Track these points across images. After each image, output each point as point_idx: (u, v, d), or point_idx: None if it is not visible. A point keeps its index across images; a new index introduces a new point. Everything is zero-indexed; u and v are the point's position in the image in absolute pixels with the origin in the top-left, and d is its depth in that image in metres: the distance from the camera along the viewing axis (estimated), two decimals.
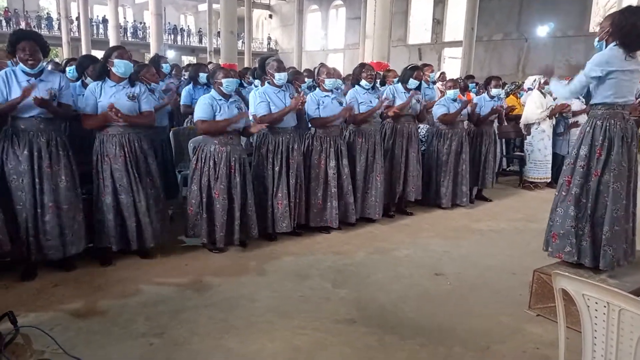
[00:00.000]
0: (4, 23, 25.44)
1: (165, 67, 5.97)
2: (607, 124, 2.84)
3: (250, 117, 4.06)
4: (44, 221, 3.20)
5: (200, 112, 3.74)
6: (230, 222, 3.82)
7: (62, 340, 2.46)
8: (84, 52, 20.97)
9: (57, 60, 14.24)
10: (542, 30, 19.50)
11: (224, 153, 3.76)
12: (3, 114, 3.12)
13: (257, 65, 4.79)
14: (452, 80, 5.83)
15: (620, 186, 2.82)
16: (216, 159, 3.75)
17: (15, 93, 3.07)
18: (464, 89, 6.95)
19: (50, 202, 3.20)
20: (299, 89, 4.72)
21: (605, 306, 1.47)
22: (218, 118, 3.73)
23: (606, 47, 2.83)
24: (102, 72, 3.49)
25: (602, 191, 2.85)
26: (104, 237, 3.51)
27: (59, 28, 24.83)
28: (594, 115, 2.91)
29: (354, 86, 4.78)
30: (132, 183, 3.49)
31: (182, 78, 6.72)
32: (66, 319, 2.77)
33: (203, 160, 3.77)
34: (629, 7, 2.85)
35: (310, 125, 4.43)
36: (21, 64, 3.12)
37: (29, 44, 3.11)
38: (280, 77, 4.13)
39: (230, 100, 3.82)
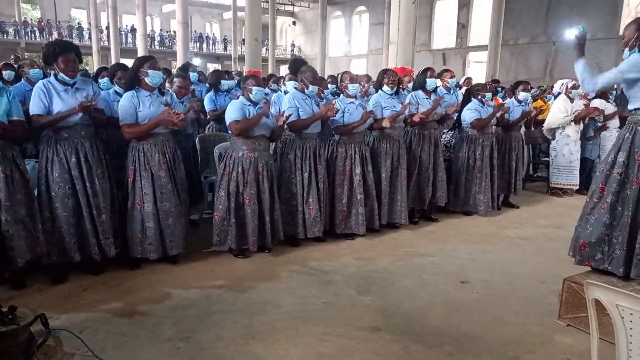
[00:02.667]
0: (37, 33, 26.36)
1: (193, 76, 6.07)
2: None
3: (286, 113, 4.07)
4: (101, 221, 3.34)
5: (233, 114, 3.78)
6: (262, 227, 3.86)
7: (91, 342, 2.52)
8: (113, 61, 21.51)
9: (87, 68, 14.65)
10: (571, 33, 19.05)
11: (252, 158, 3.80)
12: (52, 126, 3.23)
13: (289, 65, 4.85)
14: (482, 84, 5.72)
15: None
16: (244, 165, 3.79)
17: (57, 103, 3.21)
18: (494, 94, 6.83)
19: (104, 204, 3.35)
20: (322, 95, 4.74)
21: None
22: None
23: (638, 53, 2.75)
24: (134, 81, 3.57)
25: None
26: (139, 246, 3.54)
27: (89, 37, 25.60)
28: (635, 121, 2.82)
29: (377, 91, 4.77)
30: (173, 189, 3.57)
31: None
32: (96, 321, 2.83)
33: (231, 167, 3.81)
34: None
35: (334, 132, 4.44)
36: (61, 74, 3.23)
37: (71, 57, 3.25)
38: (313, 90, 4.18)
39: (257, 106, 3.87)
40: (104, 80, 4.40)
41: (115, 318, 2.89)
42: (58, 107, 3.20)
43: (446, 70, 6.20)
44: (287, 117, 3.87)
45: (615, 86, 6.45)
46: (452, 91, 6.12)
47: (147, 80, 3.51)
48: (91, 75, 5.68)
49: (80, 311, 2.95)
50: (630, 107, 2.83)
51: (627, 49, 2.83)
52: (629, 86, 2.81)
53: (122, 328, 2.77)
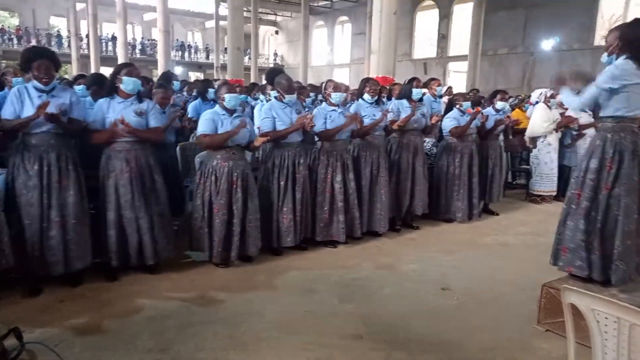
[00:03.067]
0: (15, 41, 25.91)
1: (176, 85, 6.03)
2: (618, 137, 2.82)
3: (256, 130, 4.08)
4: (48, 236, 3.22)
5: (202, 126, 3.77)
6: (229, 238, 3.81)
7: (67, 356, 2.45)
8: (93, 69, 21.25)
9: (66, 76, 14.44)
10: (548, 44, 19.52)
11: (226, 168, 3.77)
12: (16, 131, 3.16)
13: (266, 75, 4.83)
14: (462, 94, 5.85)
15: (631, 200, 2.79)
16: (217, 174, 3.76)
17: (28, 109, 3.13)
18: (477, 103, 6.96)
19: (56, 217, 3.22)
20: (304, 104, 4.75)
21: (615, 321, 1.45)
22: (219, 132, 3.75)
23: (617, 59, 2.82)
24: (111, 88, 3.53)
25: (612, 205, 2.82)
26: (106, 252, 3.50)
27: (69, 45, 25.24)
28: (605, 129, 2.89)
29: (358, 100, 4.81)
30: (136, 199, 3.49)
31: (193, 94, 6.80)
32: (72, 334, 2.77)
33: (206, 175, 3.79)
34: (635, 21, 2.84)
35: (317, 139, 4.45)
36: (35, 81, 3.17)
37: (45, 63, 3.19)
38: (290, 99, 4.17)
39: (234, 115, 3.85)
40: (79, 87, 4.34)
41: (93, 330, 2.83)
42: (28, 112, 3.12)
43: (433, 79, 6.47)
44: (265, 137, 3.89)
45: None
46: (437, 99, 6.30)
47: (121, 87, 3.48)
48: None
49: (56, 324, 2.88)
50: (602, 114, 2.90)
51: (606, 54, 2.90)
52: (602, 96, 2.88)
53: (99, 341, 2.71)
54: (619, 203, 2.79)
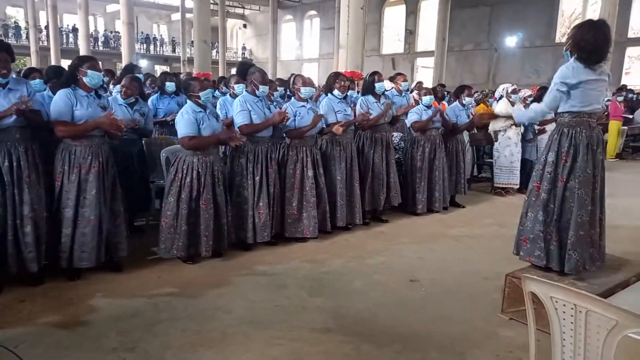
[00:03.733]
0: None
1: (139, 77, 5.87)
2: (573, 132, 2.94)
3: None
4: (24, 233, 3.12)
5: (186, 128, 3.66)
6: (218, 231, 3.80)
7: (29, 357, 2.38)
8: (53, 62, 20.53)
9: (23, 69, 13.85)
10: (511, 41, 20.04)
11: (207, 163, 3.73)
12: None
13: (237, 68, 4.78)
14: (426, 88, 5.95)
15: (585, 192, 2.90)
16: (200, 170, 3.70)
17: None
18: (442, 98, 7.10)
19: (30, 213, 3.13)
20: (272, 98, 4.73)
21: (572, 308, 1.51)
22: (202, 130, 3.70)
23: (571, 57, 2.94)
24: (70, 79, 3.41)
25: (567, 197, 2.94)
26: (71, 253, 3.36)
27: (27, 37, 24.29)
28: (561, 123, 3.01)
29: (327, 95, 4.81)
30: (101, 195, 3.38)
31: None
32: (34, 335, 2.68)
33: (185, 171, 3.70)
34: (586, 23, 2.98)
35: (285, 136, 4.43)
36: None
37: (3, 55, 3.08)
38: (264, 90, 4.14)
39: (208, 111, 3.81)
40: (34, 82, 4.18)
41: (55, 330, 2.74)
42: None
43: (399, 74, 6.57)
44: (242, 130, 3.91)
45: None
46: (403, 94, 6.37)
47: (85, 80, 3.37)
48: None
49: (16, 324, 2.78)
50: (559, 110, 3.01)
51: (564, 49, 3.01)
52: (563, 96, 2.98)
53: (63, 341, 2.64)
54: (574, 195, 2.91)
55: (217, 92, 6.52)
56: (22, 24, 26.77)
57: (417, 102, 5.64)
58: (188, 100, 3.84)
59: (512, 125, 6.42)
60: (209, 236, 3.73)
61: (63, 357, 2.49)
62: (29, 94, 3.21)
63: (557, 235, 2.97)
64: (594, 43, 2.83)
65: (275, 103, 4.80)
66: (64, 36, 26.32)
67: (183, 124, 3.69)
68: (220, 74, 23.29)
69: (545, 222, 2.99)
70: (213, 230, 3.76)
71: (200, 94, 3.72)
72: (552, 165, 2.98)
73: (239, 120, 4.06)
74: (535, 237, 3.03)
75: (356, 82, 6.56)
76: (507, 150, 6.54)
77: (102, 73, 3.46)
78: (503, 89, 6.67)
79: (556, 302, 1.54)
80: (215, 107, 4.87)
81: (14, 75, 3.22)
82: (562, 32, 18.65)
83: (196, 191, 3.69)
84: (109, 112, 3.31)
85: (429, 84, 14.81)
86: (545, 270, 3.05)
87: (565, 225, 2.94)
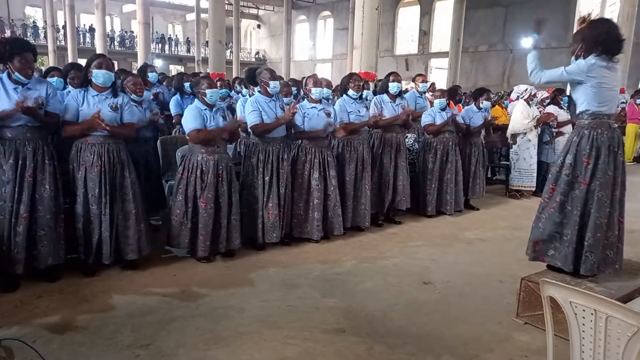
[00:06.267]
0: None
1: (153, 77, 5.93)
2: (595, 133, 2.90)
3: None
4: (16, 231, 3.14)
5: (192, 122, 3.70)
6: (217, 231, 3.79)
7: (45, 352, 2.41)
8: (70, 61, 20.77)
9: (42, 68, 14.09)
10: (526, 42, 19.79)
11: (212, 162, 3.74)
12: None
13: (245, 76, 4.78)
14: (441, 90, 5.91)
15: (605, 194, 2.87)
16: (204, 168, 3.72)
17: (3, 101, 3.05)
18: (459, 101, 7.07)
19: (25, 213, 3.14)
20: (291, 93, 4.75)
21: (592, 314, 1.48)
22: (208, 127, 3.72)
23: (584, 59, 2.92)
24: (85, 80, 3.47)
25: (588, 199, 2.90)
26: (77, 246, 3.43)
27: (45, 37, 24.63)
28: (581, 125, 2.97)
29: (342, 95, 4.81)
30: (102, 195, 3.40)
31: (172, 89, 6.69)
32: (50, 330, 2.71)
33: (190, 170, 3.73)
34: (596, 20, 2.97)
35: (294, 137, 4.43)
36: (16, 73, 3.09)
37: (29, 56, 3.14)
38: (275, 85, 4.15)
39: (214, 109, 3.82)
40: (53, 80, 4.24)
41: (71, 326, 2.77)
42: (4, 105, 3.04)
43: (419, 75, 6.57)
44: (253, 129, 3.93)
45: (568, 93, 6.76)
46: (423, 95, 6.35)
47: (93, 79, 3.43)
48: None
49: (33, 320, 2.82)
50: (577, 110, 2.98)
51: (573, 57, 2.99)
52: (575, 90, 2.97)
53: (78, 337, 2.67)
54: (594, 197, 2.87)
55: (232, 92, 6.56)
56: (40, 24, 27.16)
57: (431, 104, 5.62)
58: (195, 98, 3.87)
59: (532, 127, 6.35)
60: (206, 235, 3.73)
61: (78, 353, 2.51)
62: (48, 94, 3.25)
63: (573, 236, 2.93)
64: (608, 33, 2.83)
65: (293, 104, 4.81)
66: (81, 36, 26.62)
67: (189, 118, 3.72)
68: (235, 74, 23.40)
69: (562, 224, 2.98)
70: (212, 230, 3.76)
71: (207, 91, 3.74)
72: (570, 168, 2.95)
73: (250, 120, 4.08)
74: (549, 238, 3.02)
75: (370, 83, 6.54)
76: (527, 152, 6.48)
77: (105, 71, 3.42)
78: (526, 90, 6.56)
79: (575, 307, 1.52)
80: (228, 107, 4.91)
81: (36, 75, 3.25)
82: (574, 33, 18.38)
83: (199, 190, 3.71)
84: (96, 112, 3.29)
85: (442, 85, 14.73)
86: (561, 273, 3.02)
87: (583, 227, 2.91)
